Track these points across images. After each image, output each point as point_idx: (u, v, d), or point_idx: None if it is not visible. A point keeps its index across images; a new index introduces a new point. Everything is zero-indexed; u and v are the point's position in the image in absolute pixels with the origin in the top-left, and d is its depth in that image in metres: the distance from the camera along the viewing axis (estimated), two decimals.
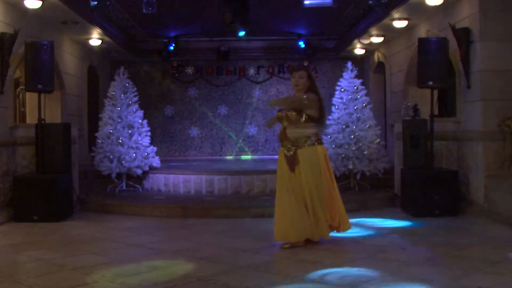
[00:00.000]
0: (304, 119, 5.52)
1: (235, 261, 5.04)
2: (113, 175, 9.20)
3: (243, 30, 9.98)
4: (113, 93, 9.54)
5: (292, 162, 5.47)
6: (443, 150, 8.00)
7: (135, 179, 9.52)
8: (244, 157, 13.60)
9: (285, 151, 5.55)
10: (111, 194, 9.07)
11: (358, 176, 9.06)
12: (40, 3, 7.32)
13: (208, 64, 13.67)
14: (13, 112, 8.48)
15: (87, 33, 9.80)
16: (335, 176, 9.02)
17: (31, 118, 9.11)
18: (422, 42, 7.56)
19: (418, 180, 7.36)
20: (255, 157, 13.50)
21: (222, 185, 9.00)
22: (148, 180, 9.66)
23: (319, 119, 5.64)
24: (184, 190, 9.18)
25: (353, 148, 9.00)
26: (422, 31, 8.97)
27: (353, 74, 9.44)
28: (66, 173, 7.68)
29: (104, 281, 4.37)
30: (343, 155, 9.05)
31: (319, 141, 5.60)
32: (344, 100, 9.29)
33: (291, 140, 5.52)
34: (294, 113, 5.53)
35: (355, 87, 9.33)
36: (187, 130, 13.82)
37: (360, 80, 9.51)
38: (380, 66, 12.12)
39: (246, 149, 13.74)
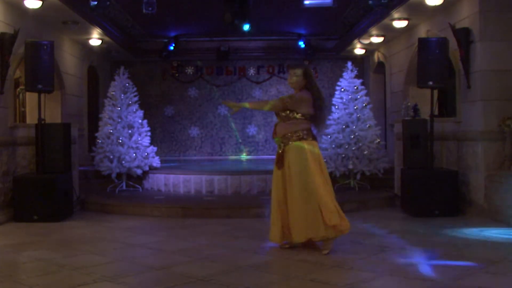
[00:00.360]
0: (294, 116, 5.39)
1: (235, 261, 5.04)
2: (113, 175, 9.20)
3: (247, 23, 9.93)
4: (113, 93, 9.54)
5: (280, 159, 5.41)
6: (443, 150, 8.00)
7: (135, 179, 9.52)
8: (243, 156, 13.60)
9: (278, 149, 5.49)
10: (111, 194, 9.07)
11: (358, 176, 9.07)
12: (40, 3, 7.32)
13: (208, 64, 13.68)
14: (13, 112, 8.47)
15: (87, 33, 9.81)
16: (336, 176, 9.13)
17: (31, 118, 9.12)
18: (422, 42, 7.55)
19: (418, 180, 7.36)
20: (256, 157, 13.50)
21: (222, 185, 9.00)
22: (148, 180, 9.66)
23: (313, 116, 5.47)
24: (184, 190, 9.18)
25: (353, 148, 9.01)
26: (422, 31, 8.97)
27: (353, 74, 9.44)
28: (66, 173, 7.68)
29: (104, 281, 4.37)
30: (343, 155, 9.06)
31: (309, 136, 5.40)
32: (344, 100, 9.30)
33: (280, 137, 5.44)
34: (284, 111, 5.42)
35: (355, 87, 9.33)
36: (187, 130, 13.82)
37: (360, 80, 9.51)
38: (380, 66, 12.12)
39: (242, 147, 13.74)
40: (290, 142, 5.37)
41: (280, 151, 5.43)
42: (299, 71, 5.49)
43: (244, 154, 13.67)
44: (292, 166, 5.33)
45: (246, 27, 10.06)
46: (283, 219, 5.39)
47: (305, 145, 5.35)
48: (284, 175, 5.39)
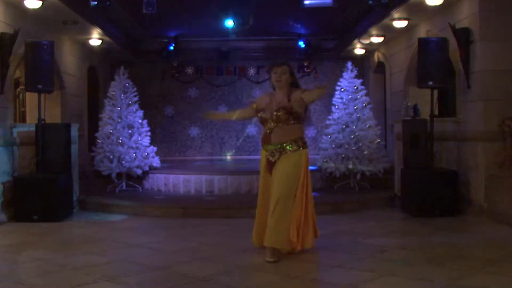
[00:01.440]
0: (292, 119, 5.08)
1: (235, 261, 5.04)
2: (113, 175, 9.20)
3: (230, 18, 9.86)
4: (113, 93, 9.55)
5: (273, 168, 5.10)
6: (443, 150, 8.00)
7: (135, 179, 9.51)
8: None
9: (269, 156, 5.12)
10: (111, 194, 9.07)
11: (358, 176, 9.07)
12: (40, 3, 7.32)
13: (208, 64, 13.68)
14: (13, 112, 8.47)
15: (87, 33, 9.80)
16: (336, 176, 9.14)
17: (31, 118, 9.11)
18: (422, 42, 7.55)
19: (418, 180, 7.35)
20: (256, 157, 13.48)
21: (222, 185, 9.00)
22: (148, 180, 9.66)
23: (304, 117, 5.18)
24: (184, 190, 9.18)
25: (353, 148, 9.01)
26: (422, 31, 8.97)
27: (353, 74, 9.45)
28: (66, 173, 7.68)
29: (104, 281, 4.37)
30: (343, 155, 9.06)
31: (305, 145, 5.14)
32: (344, 100, 9.30)
33: (276, 144, 5.07)
34: (284, 113, 5.05)
35: (355, 87, 9.34)
36: (187, 130, 13.82)
37: (360, 80, 9.52)
38: (380, 66, 12.11)
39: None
40: (288, 151, 5.05)
41: (273, 160, 5.08)
42: (286, 69, 5.20)
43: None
44: (280, 174, 5.01)
45: (229, 22, 9.95)
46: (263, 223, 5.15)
47: (303, 156, 5.11)
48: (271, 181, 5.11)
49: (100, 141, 9.36)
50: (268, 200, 5.11)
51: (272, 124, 5.12)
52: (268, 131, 5.15)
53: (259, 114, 5.25)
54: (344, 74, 9.51)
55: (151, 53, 12.92)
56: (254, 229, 5.33)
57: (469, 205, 7.27)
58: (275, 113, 5.10)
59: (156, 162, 9.63)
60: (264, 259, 4.93)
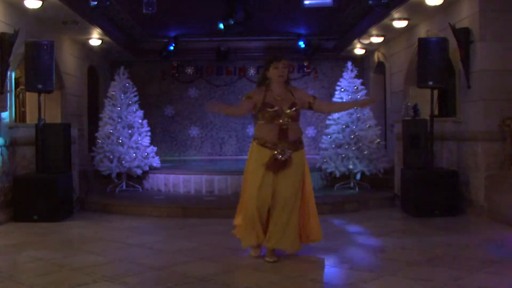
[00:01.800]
0: (298, 116, 5.05)
1: (235, 261, 5.04)
2: (113, 175, 9.21)
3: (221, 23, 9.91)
4: (113, 93, 9.55)
5: (282, 166, 4.90)
6: (443, 150, 8.00)
7: (135, 179, 9.52)
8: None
9: (278, 155, 4.90)
10: (111, 194, 9.07)
11: (358, 176, 9.07)
12: (40, 3, 7.33)
13: (208, 64, 13.68)
14: (13, 112, 8.46)
15: (87, 33, 9.81)
16: (336, 176, 9.14)
17: (31, 118, 9.11)
18: (422, 42, 7.55)
19: (418, 180, 7.35)
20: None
21: (222, 185, 9.00)
22: (148, 180, 9.66)
23: None
24: (184, 190, 9.19)
25: (353, 148, 9.01)
26: (422, 31, 8.97)
27: (353, 74, 9.45)
28: (66, 173, 7.68)
29: (104, 281, 4.38)
30: (343, 155, 9.06)
31: (303, 143, 5.11)
32: (344, 100, 9.30)
33: (290, 142, 4.93)
34: (298, 108, 4.97)
35: (355, 87, 9.34)
36: (187, 130, 13.82)
37: (360, 80, 9.52)
38: (380, 66, 12.11)
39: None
40: (296, 150, 4.97)
41: (284, 158, 4.89)
42: (287, 63, 5.00)
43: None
44: (289, 174, 4.91)
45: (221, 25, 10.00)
46: (262, 223, 5.04)
47: (304, 154, 5.07)
48: (274, 180, 4.96)
49: (100, 141, 9.36)
50: (265, 199, 4.97)
51: (287, 120, 4.92)
52: (284, 127, 4.91)
53: (268, 109, 4.92)
54: (344, 74, 9.51)
55: (151, 53, 12.92)
56: (253, 230, 5.05)
57: (469, 205, 7.27)
58: (293, 108, 4.94)
59: (156, 162, 9.64)
60: (264, 259, 4.94)
